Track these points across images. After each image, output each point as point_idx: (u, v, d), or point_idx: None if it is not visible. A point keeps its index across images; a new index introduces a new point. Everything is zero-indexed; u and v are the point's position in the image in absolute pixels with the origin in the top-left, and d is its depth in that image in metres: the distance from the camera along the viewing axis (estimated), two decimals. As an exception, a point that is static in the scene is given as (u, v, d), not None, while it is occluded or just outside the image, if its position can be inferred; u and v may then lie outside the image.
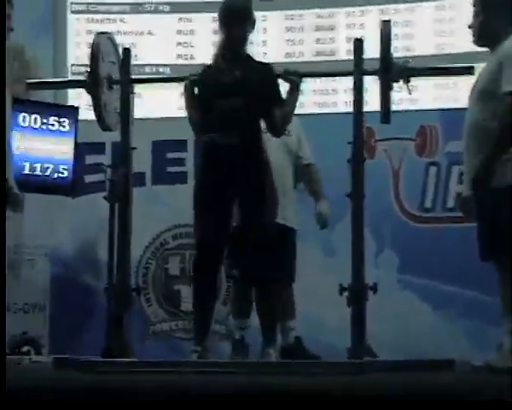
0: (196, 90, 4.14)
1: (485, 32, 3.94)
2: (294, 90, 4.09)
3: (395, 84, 4.06)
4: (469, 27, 4.01)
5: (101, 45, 4.22)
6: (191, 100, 4.12)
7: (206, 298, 4.04)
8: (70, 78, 6.20)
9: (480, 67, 4.06)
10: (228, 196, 4.00)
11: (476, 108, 3.88)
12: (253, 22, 4.10)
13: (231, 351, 4.81)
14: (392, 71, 4.00)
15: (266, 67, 4.16)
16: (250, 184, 3.97)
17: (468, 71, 4.17)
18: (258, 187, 3.98)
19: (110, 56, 4.29)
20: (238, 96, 3.97)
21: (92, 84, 4.15)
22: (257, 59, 4.21)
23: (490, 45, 3.95)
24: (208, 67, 4.14)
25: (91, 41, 4.26)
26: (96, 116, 4.21)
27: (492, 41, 3.91)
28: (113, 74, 4.27)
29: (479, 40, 4.00)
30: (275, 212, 4.12)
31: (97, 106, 4.18)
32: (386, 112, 4.02)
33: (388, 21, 4.06)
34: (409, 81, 4.05)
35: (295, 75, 4.09)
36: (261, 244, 3.94)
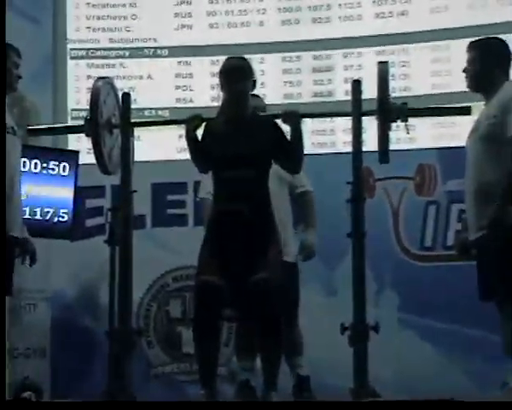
0: (201, 149, 4.09)
1: (479, 79, 3.98)
2: (297, 131, 4.05)
3: (393, 124, 4.09)
4: (464, 72, 4.05)
5: (101, 90, 4.24)
6: (196, 152, 4.10)
7: (210, 341, 3.98)
8: (70, 123, 6.25)
9: (475, 106, 4.10)
10: (232, 249, 3.95)
11: (477, 151, 3.89)
12: (254, 82, 4.06)
13: (235, 393, 4.76)
14: (390, 111, 4.03)
15: (270, 123, 4.09)
16: (255, 243, 3.93)
17: (466, 111, 4.21)
18: (264, 245, 3.93)
19: (110, 101, 4.32)
20: (245, 165, 3.93)
21: (92, 128, 4.16)
22: (259, 113, 4.16)
23: (483, 92, 3.99)
24: (212, 127, 4.09)
25: (91, 86, 4.29)
26: (97, 160, 4.22)
27: (487, 87, 3.96)
28: (112, 119, 4.30)
29: (473, 86, 4.03)
30: (278, 266, 4.01)
31: (97, 150, 4.19)
32: (384, 152, 4.04)
33: (385, 63, 4.09)
34: (406, 121, 4.08)
35: (294, 117, 4.08)
36: (263, 287, 3.91)
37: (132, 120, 4.35)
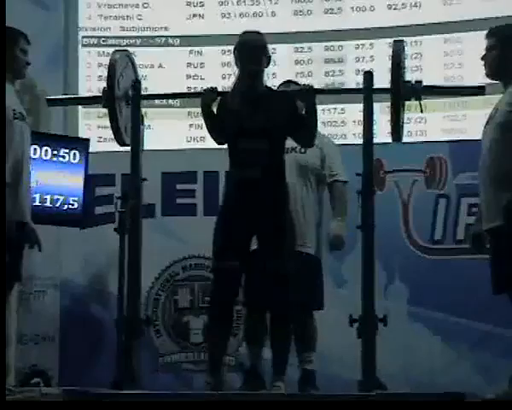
0: (216, 122, 4.18)
1: (499, 66, 3.93)
2: (311, 105, 4.12)
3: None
4: (482, 59, 4.00)
5: (118, 62, 4.24)
6: (212, 125, 4.19)
7: (222, 328, 4.03)
8: (81, 110, 6.25)
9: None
10: (248, 226, 4.03)
11: (494, 139, 3.85)
12: (269, 58, 4.14)
13: (242, 381, 4.75)
14: (404, 88, 3.98)
15: (284, 97, 4.20)
16: (269, 216, 4.00)
17: (479, 90, 4.16)
18: (277, 219, 4.02)
19: (128, 73, 4.32)
20: (260, 138, 4.01)
21: (109, 99, 4.17)
22: (274, 88, 4.27)
23: (502, 79, 3.94)
24: (227, 100, 4.15)
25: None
26: (112, 130, 4.23)
27: (506, 75, 3.92)
28: (129, 90, 4.29)
29: (492, 73, 3.98)
30: (292, 243, 4.11)
31: (113, 120, 4.19)
32: (396, 130, 3.99)
33: (401, 41, 4.06)
34: (420, 99, 4.04)
35: (309, 92, 4.11)
36: (277, 273, 3.95)
37: (145, 95, 4.38)
